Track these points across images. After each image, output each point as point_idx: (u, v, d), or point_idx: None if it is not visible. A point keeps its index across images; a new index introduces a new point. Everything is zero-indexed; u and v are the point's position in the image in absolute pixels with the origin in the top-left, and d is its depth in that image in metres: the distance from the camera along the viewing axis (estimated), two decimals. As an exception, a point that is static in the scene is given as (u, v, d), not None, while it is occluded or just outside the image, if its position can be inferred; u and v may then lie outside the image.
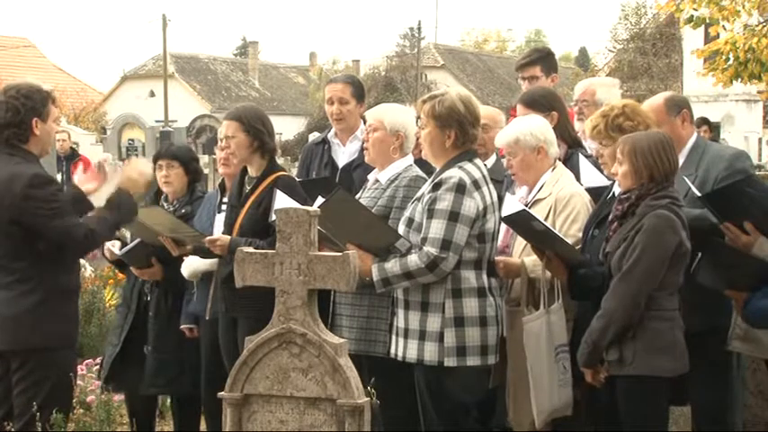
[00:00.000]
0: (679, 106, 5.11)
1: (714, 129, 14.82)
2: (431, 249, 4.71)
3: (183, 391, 6.18)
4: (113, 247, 6.11)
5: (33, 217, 4.83)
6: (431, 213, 4.76)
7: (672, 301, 4.48)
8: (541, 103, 5.61)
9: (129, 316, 6.19)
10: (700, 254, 4.50)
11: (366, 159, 5.41)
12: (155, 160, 6.25)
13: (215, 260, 5.62)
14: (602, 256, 4.61)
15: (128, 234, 6.43)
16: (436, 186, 4.80)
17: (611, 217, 4.62)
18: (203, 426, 6.37)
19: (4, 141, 4.99)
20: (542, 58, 6.69)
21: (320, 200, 4.92)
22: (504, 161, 5.29)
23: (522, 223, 4.75)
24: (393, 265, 4.79)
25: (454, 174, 4.80)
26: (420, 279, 4.77)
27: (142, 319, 6.14)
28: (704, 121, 14.71)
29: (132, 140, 26.46)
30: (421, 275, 4.75)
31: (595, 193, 5.12)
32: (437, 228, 4.72)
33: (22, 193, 4.83)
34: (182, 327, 6.03)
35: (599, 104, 5.50)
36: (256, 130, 5.51)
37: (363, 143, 5.46)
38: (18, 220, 4.86)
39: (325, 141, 6.27)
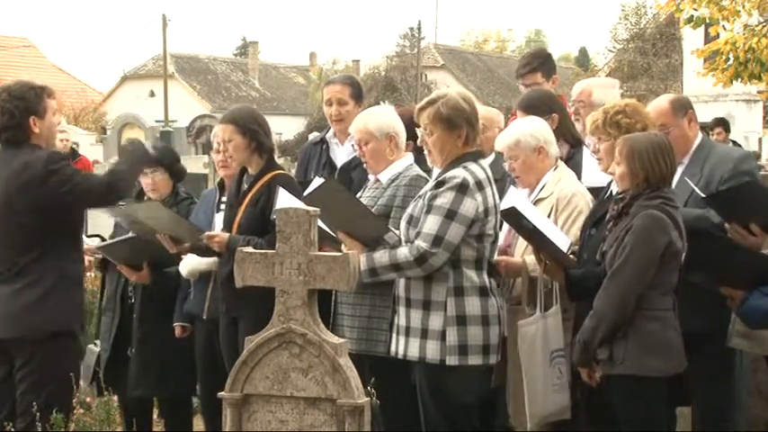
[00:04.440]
0: (684, 107, 5.11)
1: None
2: (421, 244, 4.71)
3: (168, 393, 6.17)
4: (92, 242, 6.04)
5: (59, 194, 4.88)
6: (429, 209, 4.75)
7: (664, 301, 4.44)
8: (539, 106, 5.60)
9: (114, 319, 6.17)
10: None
11: (369, 171, 5.39)
12: None
13: (213, 260, 5.61)
14: (599, 256, 4.60)
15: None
16: (439, 184, 4.80)
17: (608, 216, 4.61)
18: (196, 426, 6.37)
19: (5, 142, 5.01)
20: (542, 64, 6.64)
21: (312, 187, 4.91)
22: (506, 165, 5.28)
23: (515, 219, 4.74)
24: (382, 256, 4.80)
25: (458, 173, 4.78)
26: (408, 272, 4.77)
27: (127, 322, 6.12)
28: (720, 122, 14.60)
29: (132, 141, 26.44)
30: (409, 268, 4.74)
31: (595, 192, 5.12)
32: (432, 223, 4.72)
33: (45, 173, 4.88)
34: (174, 324, 6.00)
35: (596, 105, 5.47)
36: (252, 131, 5.50)
37: (360, 157, 5.42)
38: (41, 206, 4.88)
39: (323, 141, 6.26)
